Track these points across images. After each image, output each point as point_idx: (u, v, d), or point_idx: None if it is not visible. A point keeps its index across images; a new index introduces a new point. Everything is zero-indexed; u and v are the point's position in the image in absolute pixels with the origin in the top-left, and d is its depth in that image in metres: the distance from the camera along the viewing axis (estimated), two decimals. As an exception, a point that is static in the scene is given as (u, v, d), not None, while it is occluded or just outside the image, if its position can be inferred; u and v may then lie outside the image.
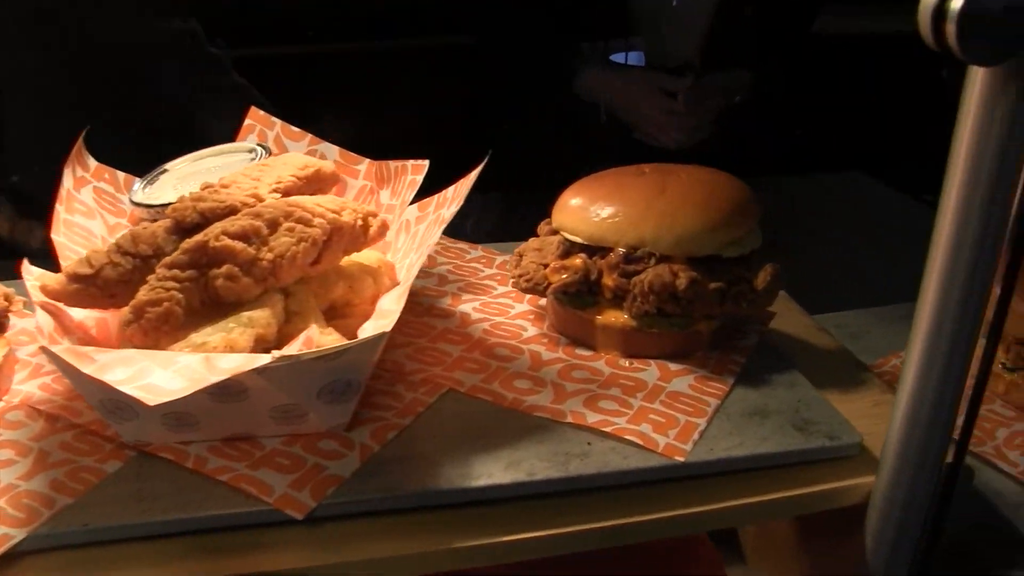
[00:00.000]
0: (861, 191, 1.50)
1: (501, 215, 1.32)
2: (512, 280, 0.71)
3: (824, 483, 0.61)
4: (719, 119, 1.30)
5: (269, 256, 0.60)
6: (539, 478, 0.58)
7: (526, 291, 0.70)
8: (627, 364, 0.68)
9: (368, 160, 0.80)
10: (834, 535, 0.68)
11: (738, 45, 1.30)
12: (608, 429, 0.61)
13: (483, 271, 0.82)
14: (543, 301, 0.74)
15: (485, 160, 0.67)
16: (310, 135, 0.81)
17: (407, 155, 0.76)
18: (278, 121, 0.82)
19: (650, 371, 0.68)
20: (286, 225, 0.62)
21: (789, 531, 0.80)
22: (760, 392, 0.67)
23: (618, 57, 1.51)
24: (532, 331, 0.73)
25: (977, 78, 0.49)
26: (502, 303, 0.76)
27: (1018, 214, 0.51)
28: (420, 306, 0.76)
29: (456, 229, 1.30)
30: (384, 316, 0.59)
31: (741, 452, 0.61)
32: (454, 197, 0.67)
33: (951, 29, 0.45)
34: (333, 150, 0.81)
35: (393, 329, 0.72)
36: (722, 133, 1.30)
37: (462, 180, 0.68)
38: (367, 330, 0.58)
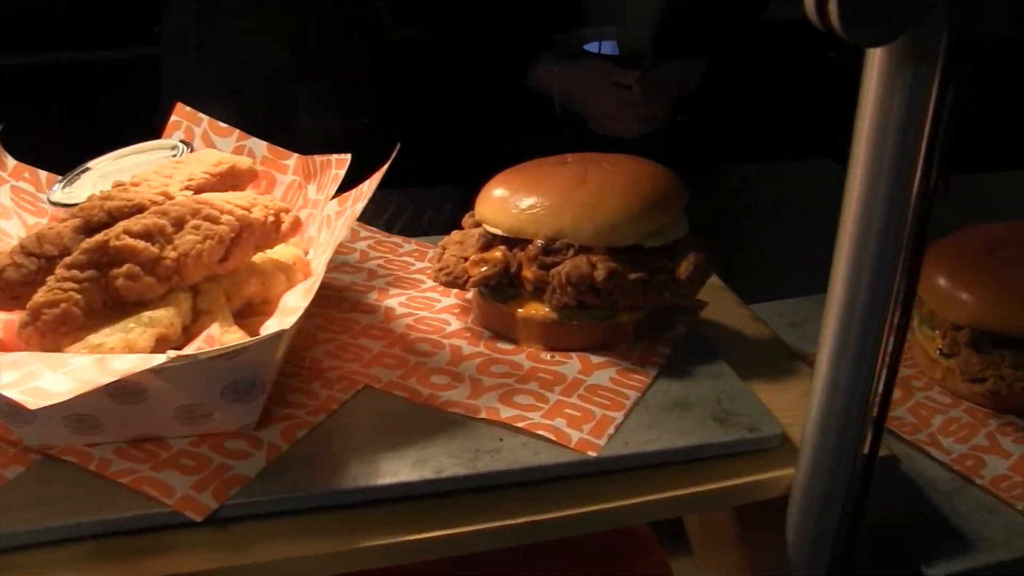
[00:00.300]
0: (828, 177, 1.48)
1: (456, 209, 1.31)
2: (433, 274, 0.70)
3: (745, 476, 0.60)
4: (675, 108, 1.29)
5: (173, 255, 0.59)
6: (446, 475, 0.57)
7: (446, 285, 0.69)
8: (548, 357, 0.67)
9: (297, 155, 0.79)
10: (776, 525, 0.67)
11: (691, 32, 1.28)
12: (521, 424, 0.60)
13: (414, 265, 0.81)
14: (470, 295, 0.73)
15: (394, 154, 0.66)
16: (238, 131, 0.80)
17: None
18: (205, 117, 0.81)
19: (571, 364, 0.66)
20: (192, 223, 0.61)
21: (732, 521, 0.79)
22: (683, 384, 0.66)
23: (591, 47, 1.49)
24: (456, 325, 0.71)
25: (874, 60, 0.48)
26: (429, 297, 0.75)
27: (919, 196, 0.50)
28: (347, 302, 0.75)
29: (412, 223, 1.30)
30: (288, 313, 0.58)
31: (657, 446, 0.60)
32: (368, 192, 0.66)
33: (833, 8, 0.44)
34: (261, 145, 0.80)
35: (315, 325, 0.71)
36: (682, 121, 1.29)
37: (374, 175, 0.67)
38: (269, 328, 0.57)
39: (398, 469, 0.57)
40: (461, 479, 0.57)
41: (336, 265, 0.80)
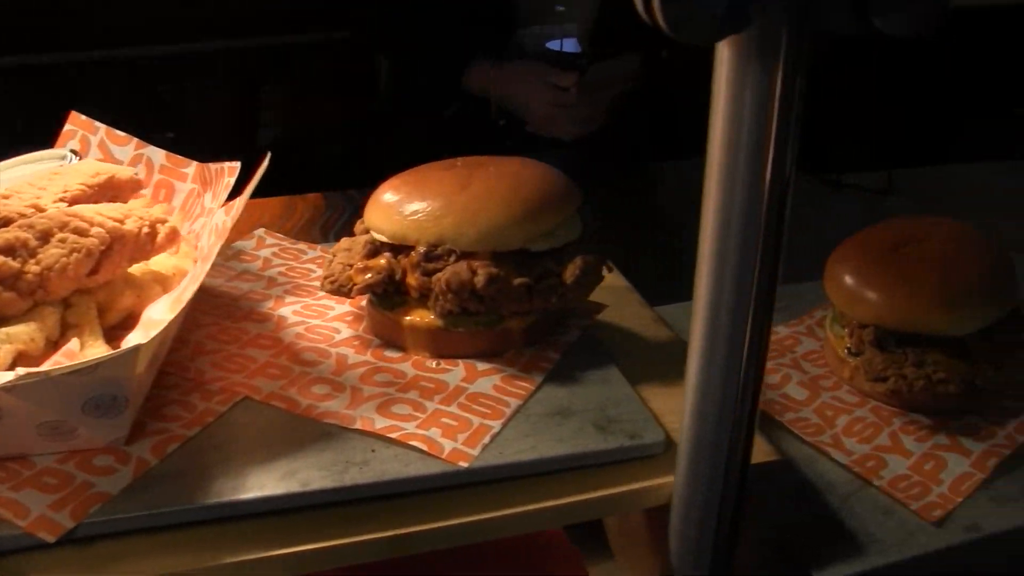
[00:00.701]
0: None
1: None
2: (320, 282, 0.69)
3: (627, 484, 0.59)
4: (612, 107, 1.27)
5: (36, 269, 0.58)
6: (313, 488, 0.56)
7: (332, 293, 0.68)
8: (434, 365, 0.66)
9: (196, 163, 0.77)
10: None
11: (627, 31, 1.27)
12: (395, 435, 0.59)
13: (315, 272, 0.80)
14: (364, 303, 0.72)
15: (264, 163, 0.65)
16: (136, 140, 0.79)
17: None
18: (102, 126, 0.79)
19: (455, 372, 0.65)
20: (59, 236, 0.60)
21: (647, 524, 0.78)
22: (568, 390, 0.65)
23: (553, 44, 1.48)
24: (346, 334, 0.70)
25: (722, 56, 0.47)
26: (324, 305, 0.74)
27: (773, 191, 0.49)
28: (240, 311, 0.74)
29: (348, 228, 1.28)
30: (152, 327, 0.57)
31: (532, 455, 0.59)
32: (239, 203, 0.65)
33: (657, 6, 0.42)
34: (159, 154, 0.78)
35: (206, 335, 0.70)
36: (620, 120, 1.28)
37: (247, 184, 0.66)
38: (131, 341, 0.56)
39: (265, 483, 0.56)
40: (328, 492, 0.56)
41: (237, 273, 0.79)
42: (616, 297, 0.76)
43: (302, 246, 0.85)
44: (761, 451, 0.62)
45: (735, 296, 0.50)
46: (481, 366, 0.66)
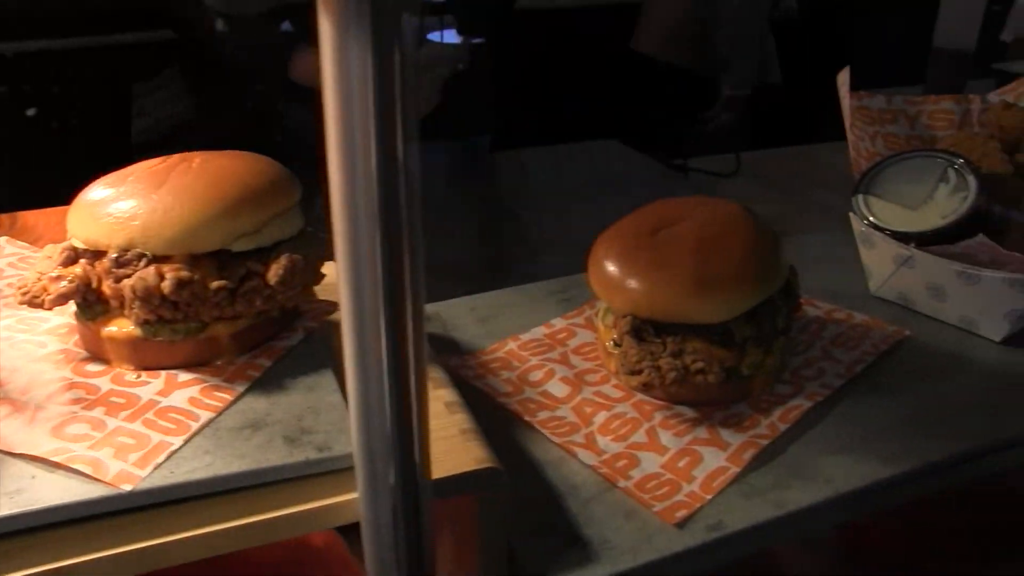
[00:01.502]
0: (618, 159, 1.44)
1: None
2: (12, 294, 0.64)
3: (315, 501, 0.55)
4: (444, 91, 1.23)
5: None
6: (-47, 524, 0.51)
7: (27, 304, 0.63)
8: (134, 378, 0.61)
9: None
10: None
11: (462, 12, 1.23)
12: (59, 459, 0.54)
13: (50, 281, 0.75)
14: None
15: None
16: None
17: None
18: None
19: (154, 384, 0.61)
20: None
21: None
22: (269, 400, 0.60)
23: (434, 36, 1.44)
24: (53, 347, 0.65)
25: (325, 36, 0.43)
26: (40, 317, 0.69)
27: (382, 173, 0.44)
28: (-49, 328, 0.68)
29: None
30: None
31: (206, 474, 0.54)
32: None
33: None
34: None
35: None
36: (455, 103, 1.23)
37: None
38: None
39: (-100, 520, 0.51)
40: (-29, 526, 0.51)
41: (-36, 285, 0.74)
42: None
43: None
44: (473, 459, 0.58)
45: (366, 290, 0.46)
46: (183, 377, 0.61)
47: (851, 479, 0.64)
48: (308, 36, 1.25)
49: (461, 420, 0.61)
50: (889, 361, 0.76)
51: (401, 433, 0.49)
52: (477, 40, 1.33)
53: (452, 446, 0.59)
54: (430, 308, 0.81)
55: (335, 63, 0.42)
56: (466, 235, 1.05)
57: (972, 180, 0.76)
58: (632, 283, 0.68)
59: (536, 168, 1.38)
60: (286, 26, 1.23)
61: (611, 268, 0.70)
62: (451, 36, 1.53)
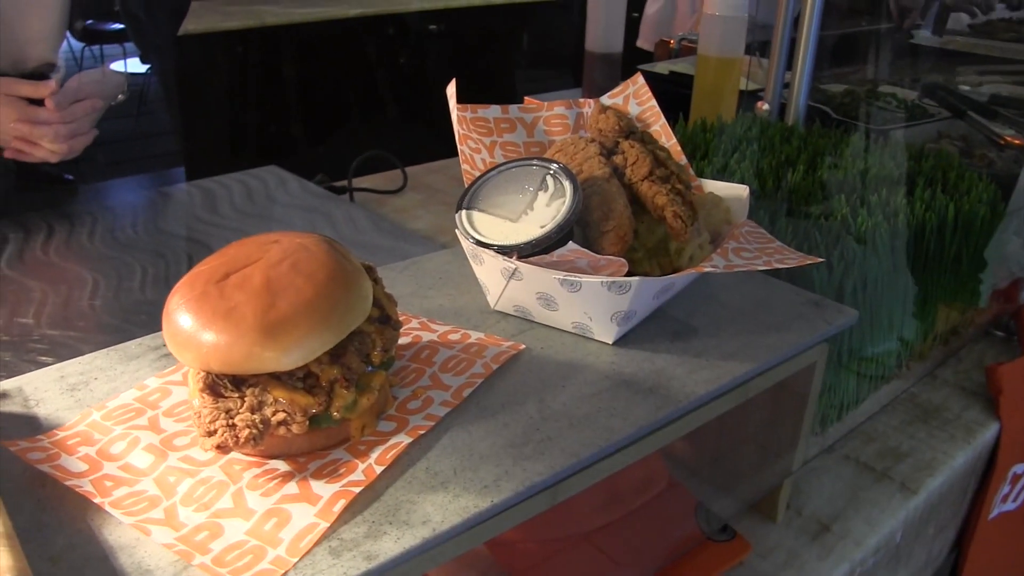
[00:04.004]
0: (277, 185, 1.38)
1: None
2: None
3: None
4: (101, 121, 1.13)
5: None
6: None
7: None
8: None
9: None
10: None
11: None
12: None
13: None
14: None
15: None
16: None
17: None
18: None
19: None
20: None
21: None
22: None
23: (116, 64, 1.31)
24: None
25: None
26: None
27: None
28: None
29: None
30: None
31: None
32: None
33: None
34: None
35: None
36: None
37: None
38: None
39: None
40: None
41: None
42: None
43: None
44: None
45: None
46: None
47: (449, 516, 0.61)
48: None
49: (-9, 524, 0.53)
50: (504, 378, 0.74)
51: None
52: (147, 68, 1.24)
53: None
54: (10, 384, 0.72)
55: None
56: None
57: (568, 185, 0.76)
58: (201, 336, 0.62)
59: (197, 200, 1.30)
60: None
61: (179, 321, 0.64)
62: (136, 65, 1.42)
